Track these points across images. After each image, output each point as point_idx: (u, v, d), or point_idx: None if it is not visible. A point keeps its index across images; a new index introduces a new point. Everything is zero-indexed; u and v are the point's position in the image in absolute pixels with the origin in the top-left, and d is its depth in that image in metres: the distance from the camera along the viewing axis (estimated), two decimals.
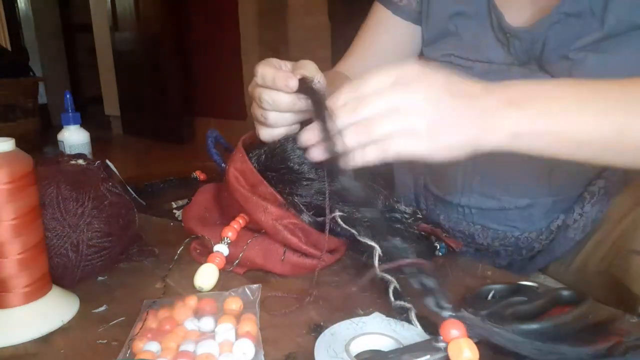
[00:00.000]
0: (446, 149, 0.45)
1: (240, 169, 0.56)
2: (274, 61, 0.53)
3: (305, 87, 0.50)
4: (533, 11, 0.61)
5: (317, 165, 0.54)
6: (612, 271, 0.59)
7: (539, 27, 0.59)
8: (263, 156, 0.57)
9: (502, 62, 0.63)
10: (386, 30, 0.75)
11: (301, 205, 0.54)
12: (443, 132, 0.44)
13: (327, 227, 0.52)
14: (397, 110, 0.43)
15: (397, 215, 0.60)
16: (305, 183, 0.55)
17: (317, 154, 0.49)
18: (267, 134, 0.55)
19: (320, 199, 0.55)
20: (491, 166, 0.66)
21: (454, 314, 0.37)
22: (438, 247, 0.59)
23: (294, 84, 0.49)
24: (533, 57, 0.60)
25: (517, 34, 0.60)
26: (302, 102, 0.51)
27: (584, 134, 0.44)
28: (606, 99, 0.44)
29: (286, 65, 0.54)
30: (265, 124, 0.54)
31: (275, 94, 0.51)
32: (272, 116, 0.53)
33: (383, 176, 0.63)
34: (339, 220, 0.53)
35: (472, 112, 0.44)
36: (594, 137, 0.44)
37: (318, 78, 0.51)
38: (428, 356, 0.36)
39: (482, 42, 0.64)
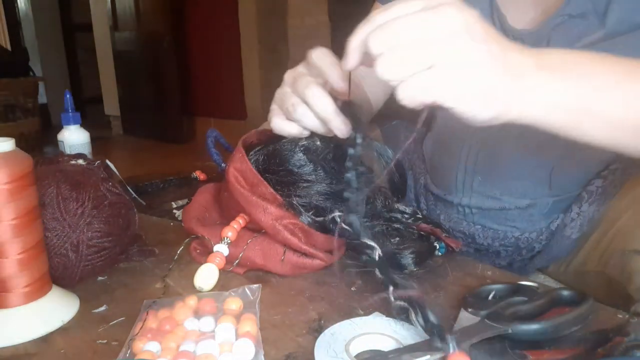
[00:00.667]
0: (468, 100, 0.39)
1: (240, 169, 0.56)
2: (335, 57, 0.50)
3: (349, 110, 0.49)
4: (536, 13, 0.61)
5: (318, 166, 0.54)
6: (608, 271, 0.59)
7: (543, 29, 0.59)
8: (263, 157, 0.57)
9: None
10: None
11: (300, 206, 0.54)
12: (468, 77, 0.38)
13: (336, 231, 0.52)
14: (426, 39, 0.38)
15: (397, 215, 0.60)
16: (304, 185, 0.55)
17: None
18: (280, 125, 0.54)
19: (320, 199, 0.55)
20: (492, 166, 0.66)
21: (457, 348, 0.36)
22: (438, 247, 0.59)
23: (342, 85, 0.48)
24: None
25: (520, 36, 0.60)
26: (341, 117, 0.49)
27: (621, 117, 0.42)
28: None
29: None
30: (287, 115, 0.52)
31: (323, 96, 0.49)
32: (301, 111, 0.51)
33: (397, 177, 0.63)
34: (339, 220, 0.53)
35: (508, 68, 0.39)
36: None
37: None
38: (428, 356, 0.36)
39: None
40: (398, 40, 0.38)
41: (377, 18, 0.40)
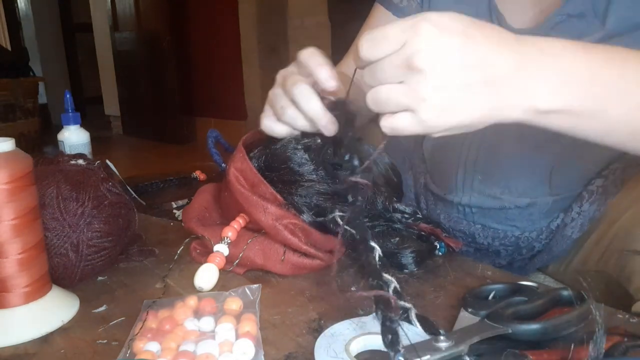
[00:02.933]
0: (455, 127, 0.41)
1: (240, 169, 0.56)
2: (324, 56, 0.51)
3: (341, 108, 0.49)
4: (534, 13, 0.61)
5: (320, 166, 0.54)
6: (609, 270, 0.59)
7: (541, 28, 0.58)
8: (263, 157, 0.57)
9: None
10: None
11: (301, 206, 0.54)
12: (450, 111, 0.40)
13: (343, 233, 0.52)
14: (403, 82, 0.40)
15: (397, 215, 0.60)
16: (305, 184, 0.55)
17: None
18: (270, 127, 0.54)
19: (321, 199, 0.55)
20: (492, 165, 0.66)
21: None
22: (438, 247, 0.59)
23: (332, 84, 0.48)
24: None
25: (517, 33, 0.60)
26: (328, 116, 0.49)
27: (616, 116, 0.41)
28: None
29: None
30: (278, 116, 0.53)
31: (311, 95, 0.49)
32: (290, 113, 0.51)
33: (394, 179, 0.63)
34: (339, 220, 0.53)
35: (488, 85, 0.39)
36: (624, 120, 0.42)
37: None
38: (428, 356, 0.36)
39: None
40: (379, 81, 0.41)
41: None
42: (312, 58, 0.50)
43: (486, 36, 0.40)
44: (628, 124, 0.42)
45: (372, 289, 0.39)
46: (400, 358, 0.34)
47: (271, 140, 0.58)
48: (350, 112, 0.50)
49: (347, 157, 0.48)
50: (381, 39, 0.40)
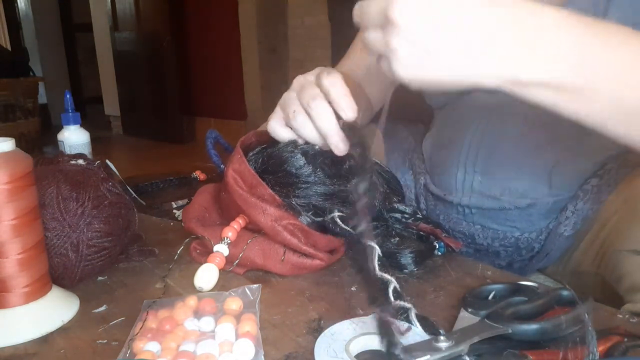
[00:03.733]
0: (426, 84, 0.41)
1: (238, 170, 0.56)
2: (344, 81, 0.51)
3: (354, 134, 0.49)
4: None
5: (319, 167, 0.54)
6: (601, 271, 0.59)
7: None
8: (261, 159, 0.57)
9: None
10: None
11: (299, 207, 0.54)
12: (419, 67, 0.39)
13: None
14: (381, 28, 0.40)
15: (397, 215, 0.60)
16: (303, 186, 0.55)
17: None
18: (275, 129, 0.54)
19: (319, 200, 0.55)
20: (491, 166, 0.66)
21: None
22: (437, 247, 0.59)
23: (352, 115, 0.48)
24: None
25: None
26: (341, 135, 0.50)
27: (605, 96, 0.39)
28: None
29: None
30: (287, 120, 0.53)
31: (329, 113, 0.49)
32: (301, 120, 0.51)
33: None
34: (338, 220, 0.53)
35: (464, 49, 0.38)
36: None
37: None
38: (428, 356, 0.36)
39: None
40: (364, 24, 0.42)
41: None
42: (335, 87, 0.49)
43: None
44: (614, 105, 0.39)
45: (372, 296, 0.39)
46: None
47: (269, 142, 0.58)
48: (363, 136, 0.50)
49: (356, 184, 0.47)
50: None
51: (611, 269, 0.56)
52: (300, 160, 0.55)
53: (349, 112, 0.49)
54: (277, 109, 0.55)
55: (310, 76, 0.53)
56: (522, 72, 0.39)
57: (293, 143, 0.56)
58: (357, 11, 0.43)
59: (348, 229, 0.52)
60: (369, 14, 0.41)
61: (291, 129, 0.54)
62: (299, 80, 0.54)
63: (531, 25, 0.38)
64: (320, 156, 0.55)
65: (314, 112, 0.50)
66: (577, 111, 0.40)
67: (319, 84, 0.51)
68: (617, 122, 0.40)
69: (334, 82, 0.50)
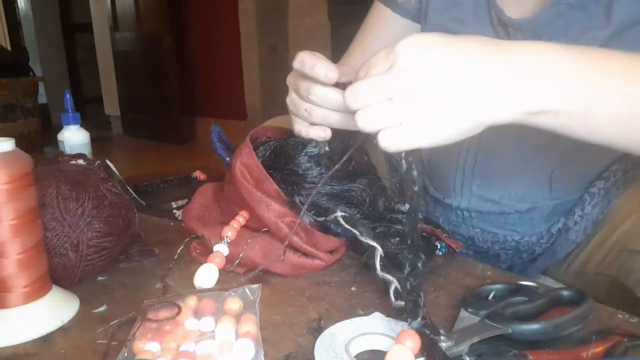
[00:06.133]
0: (450, 137, 0.42)
1: (246, 164, 0.56)
2: (315, 53, 0.50)
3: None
4: (534, 3, 0.60)
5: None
6: (613, 272, 0.59)
7: (542, 16, 0.57)
8: (268, 152, 0.57)
9: None
10: (386, 28, 0.75)
11: (303, 205, 0.54)
12: (444, 122, 0.40)
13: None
14: (393, 99, 0.40)
15: (398, 216, 0.60)
16: (308, 185, 0.55)
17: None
18: (304, 131, 0.53)
19: (323, 200, 0.55)
20: (490, 169, 0.66)
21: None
22: (438, 247, 0.59)
23: (333, 75, 0.47)
24: None
25: (519, 25, 0.59)
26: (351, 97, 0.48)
27: (605, 115, 0.41)
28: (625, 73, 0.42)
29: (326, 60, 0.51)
30: (308, 120, 0.52)
31: (327, 89, 0.48)
32: (321, 113, 0.50)
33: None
34: (341, 220, 0.53)
35: (477, 93, 0.40)
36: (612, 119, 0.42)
37: None
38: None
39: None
40: (368, 101, 0.41)
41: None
42: (305, 64, 0.49)
43: (469, 45, 0.40)
44: (618, 122, 0.42)
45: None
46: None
47: (278, 136, 0.58)
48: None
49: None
50: (370, 68, 0.42)
51: (627, 271, 0.56)
52: (307, 161, 0.55)
53: (329, 74, 0.47)
54: (292, 116, 0.55)
55: (293, 71, 0.53)
56: (529, 103, 0.40)
57: (301, 142, 0.55)
58: (354, 94, 0.42)
59: (351, 229, 0.52)
60: (373, 89, 0.41)
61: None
62: (289, 81, 0.54)
63: (526, 60, 0.41)
64: (325, 157, 0.56)
65: (318, 99, 0.49)
66: (587, 132, 0.43)
67: (302, 73, 0.51)
68: (621, 132, 0.43)
69: (302, 61, 0.49)
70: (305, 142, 0.56)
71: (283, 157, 0.56)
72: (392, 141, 0.41)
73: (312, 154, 0.56)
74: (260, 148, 0.58)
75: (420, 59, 0.40)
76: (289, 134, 0.57)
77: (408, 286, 0.42)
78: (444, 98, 0.40)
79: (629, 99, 0.41)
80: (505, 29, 0.61)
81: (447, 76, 0.40)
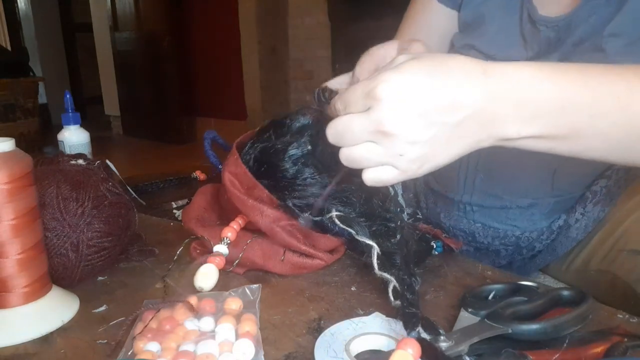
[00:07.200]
0: (432, 169, 0.42)
1: (234, 172, 0.56)
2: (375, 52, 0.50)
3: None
4: (567, 2, 0.60)
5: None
6: (615, 270, 0.59)
7: (578, 16, 0.57)
8: (251, 162, 0.57)
9: (520, 59, 0.62)
10: (430, 17, 0.74)
11: (297, 209, 0.54)
12: (429, 157, 0.41)
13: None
14: (375, 142, 0.40)
15: (393, 215, 0.60)
16: (299, 188, 0.55)
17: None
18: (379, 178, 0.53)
19: (317, 200, 0.55)
20: (494, 165, 0.66)
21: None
22: (435, 247, 0.59)
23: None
24: (559, 48, 0.59)
25: (553, 24, 0.59)
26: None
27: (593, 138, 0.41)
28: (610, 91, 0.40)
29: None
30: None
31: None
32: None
33: None
34: (337, 220, 0.53)
35: (459, 125, 0.40)
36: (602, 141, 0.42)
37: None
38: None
39: (505, 36, 0.63)
40: (350, 141, 0.41)
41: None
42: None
43: (451, 76, 0.39)
44: (605, 142, 0.42)
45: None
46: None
47: (258, 137, 0.58)
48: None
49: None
50: (348, 105, 0.41)
51: (629, 269, 0.56)
52: (294, 166, 0.55)
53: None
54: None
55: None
56: (511, 131, 0.40)
57: (284, 150, 0.55)
58: (334, 133, 0.42)
59: (346, 228, 0.52)
60: (354, 134, 0.40)
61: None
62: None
63: (509, 89, 0.40)
64: (310, 156, 0.55)
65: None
66: (573, 153, 0.43)
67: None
68: (610, 153, 0.43)
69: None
70: (285, 147, 0.55)
71: (267, 165, 0.56)
72: (376, 180, 0.41)
73: (296, 156, 0.55)
74: (244, 151, 0.58)
75: (401, 107, 0.38)
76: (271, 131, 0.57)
77: (405, 303, 0.42)
78: (425, 142, 0.39)
79: (618, 123, 0.40)
80: (533, 25, 0.61)
81: (429, 123, 0.39)
